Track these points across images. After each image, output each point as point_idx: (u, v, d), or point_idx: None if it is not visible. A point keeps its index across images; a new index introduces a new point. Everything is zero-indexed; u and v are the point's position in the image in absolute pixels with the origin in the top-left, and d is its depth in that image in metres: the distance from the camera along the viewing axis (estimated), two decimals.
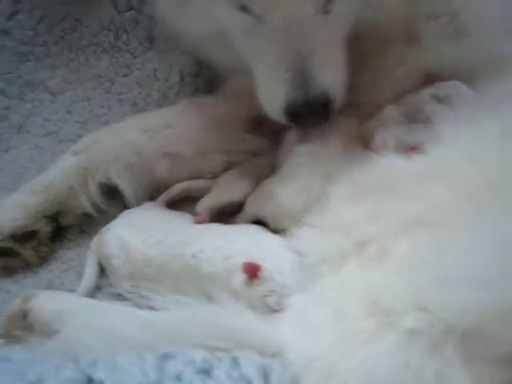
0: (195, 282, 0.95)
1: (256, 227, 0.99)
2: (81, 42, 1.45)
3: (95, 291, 1.06)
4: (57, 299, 0.95)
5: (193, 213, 1.09)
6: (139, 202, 1.14)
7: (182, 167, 1.15)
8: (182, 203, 1.16)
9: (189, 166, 1.15)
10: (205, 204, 1.06)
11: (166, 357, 0.65)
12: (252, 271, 0.87)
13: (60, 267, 1.10)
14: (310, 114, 0.98)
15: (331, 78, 0.98)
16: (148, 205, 1.11)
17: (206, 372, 0.63)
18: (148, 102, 1.34)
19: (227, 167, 1.14)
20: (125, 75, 1.39)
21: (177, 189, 1.14)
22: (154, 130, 1.16)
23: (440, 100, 0.96)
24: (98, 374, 0.61)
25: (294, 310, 0.77)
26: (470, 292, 0.64)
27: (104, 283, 1.07)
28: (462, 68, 1.01)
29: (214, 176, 1.14)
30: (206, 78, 1.34)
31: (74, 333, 0.80)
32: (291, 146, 1.04)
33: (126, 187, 1.12)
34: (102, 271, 1.07)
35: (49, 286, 1.07)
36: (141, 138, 1.15)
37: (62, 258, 1.11)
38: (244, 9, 0.95)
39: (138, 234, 1.01)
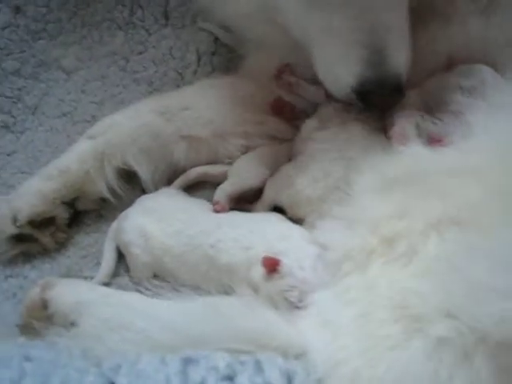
0: (214, 273, 0.94)
1: (278, 216, 0.97)
2: (94, 18, 1.41)
3: (113, 278, 1.05)
4: (76, 289, 0.94)
5: (210, 200, 1.08)
6: (156, 186, 1.12)
7: (199, 150, 1.13)
8: (198, 187, 1.14)
9: (206, 149, 1.13)
10: (223, 192, 1.03)
11: (188, 361, 0.64)
12: (271, 266, 0.85)
13: (78, 253, 1.09)
14: (383, 94, 0.93)
15: (404, 58, 0.94)
16: (165, 190, 1.09)
17: (229, 378, 0.62)
18: (164, 81, 1.31)
19: (245, 152, 1.12)
20: (140, 53, 1.36)
21: (193, 173, 1.12)
22: (172, 112, 1.14)
23: (466, 91, 0.93)
24: (121, 380, 0.60)
25: (317, 309, 0.76)
26: (504, 301, 0.61)
27: (122, 269, 1.06)
28: (490, 49, 0.97)
29: (232, 161, 1.12)
30: (223, 57, 1.31)
31: (93, 329, 0.79)
32: (310, 133, 1.01)
33: (143, 172, 1.10)
34: (120, 257, 1.07)
35: (67, 273, 1.07)
36: (158, 120, 1.13)
37: (80, 243, 1.10)
38: None
39: (157, 222, 1.00)
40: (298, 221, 0.97)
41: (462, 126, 0.88)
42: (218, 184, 1.09)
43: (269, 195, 1.02)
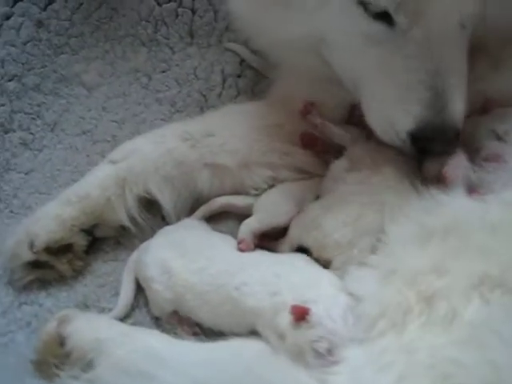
0: (237, 315, 0.91)
1: (306, 259, 0.92)
2: (117, 33, 1.39)
3: (132, 311, 1.02)
4: (95, 325, 0.90)
5: (233, 232, 1.04)
6: (178, 215, 1.09)
7: (223, 180, 1.09)
8: (221, 218, 1.11)
9: (231, 178, 1.09)
10: (248, 228, 0.99)
11: None
12: (300, 314, 0.81)
13: (96, 282, 1.06)
14: (441, 141, 0.88)
15: (462, 104, 0.89)
16: (188, 222, 1.06)
17: None
18: (187, 102, 1.28)
19: (272, 184, 1.08)
20: (163, 71, 1.33)
21: (217, 203, 1.09)
22: (196, 138, 1.10)
23: (499, 137, 0.89)
24: None
25: (350, 368, 0.72)
26: None
27: (141, 302, 1.03)
28: None
29: (258, 192, 1.08)
30: (248, 80, 1.28)
31: (110, 374, 0.76)
32: (340, 173, 0.97)
33: (165, 200, 1.07)
34: (139, 289, 1.04)
35: (84, 302, 1.04)
36: (181, 146, 1.09)
37: (98, 272, 1.07)
38: (380, 17, 0.86)
39: (181, 257, 0.96)
40: (324, 263, 0.93)
41: (505, 174, 0.84)
42: (242, 216, 1.06)
43: (294, 235, 0.98)
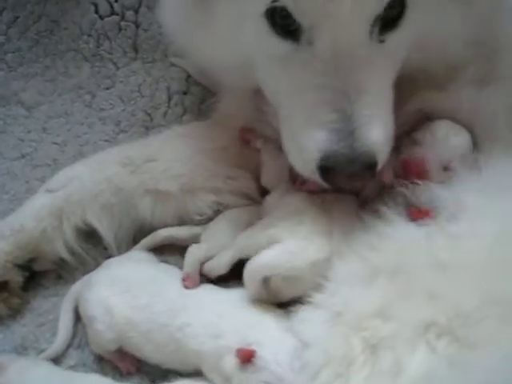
0: (182, 356, 0.87)
1: (251, 297, 0.87)
2: (58, 47, 1.32)
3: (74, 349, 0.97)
4: (30, 376, 0.85)
5: (180, 262, 0.98)
6: (120, 244, 1.04)
7: (166, 206, 1.05)
8: (166, 246, 1.06)
9: (174, 204, 1.05)
10: (194, 258, 0.95)
11: None
12: (246, 357, 0.78)
13: (35, 321, 1.00)
14: (350, 173, 0.78)
15: (380, 132, 0.79)
16: (134, 254, 1.01)
17: None
18: (132, 121, 1.22)
19: (217, 209, 1.03)
20: (107, 88, 1.27)
21: (159, 236, 1.04)
22: (136, 164, 1.05)
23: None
24: None
25: None
26: None
27: (83, 340, 0.98)
28: (478, 120, 0.90)
29: (202, 218, 1.04)
30: (195, 97, 1.22)
31: None
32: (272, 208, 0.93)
33: (105, 231, 1.02)
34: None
35: (22, 344, 0.98)
36: (121, 172, 1.04)
37: (38, 310, 1.01)
38: (286, 34, 0.80)
39: (123, 294, 0.91)
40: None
41: (451, 198, 0.80)
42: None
43: (238, 247, 0.92)
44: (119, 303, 0.91)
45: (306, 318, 0.79)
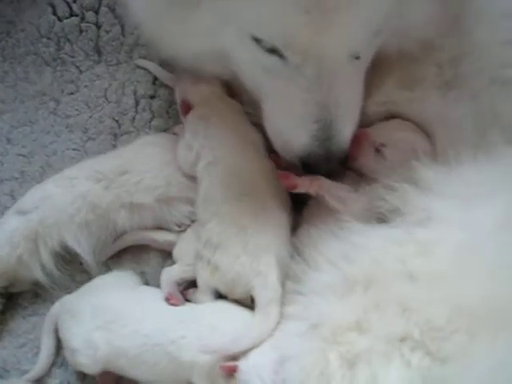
0: (173, 370, 0.88)
1: (243, 313, 0.89)
2: (16, 51, 1.27)
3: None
4: None
5: (157, 272, 1.00)
6: (99, 259, 1.04)
7: (144, 217, 1.04)
8: (143, 256, 1.06)
9: (151, 215, 1.04)
10: (170, 279, 0.96)
11: None
12: (229, 371, 0.81)
13: (15, 342, 1.00)
14: (325, 165, 0.93)
15: (351, 130, 0.93)
16: (114, 276, 1.01)
17: None
18: (100, 128, 1.19)
19: (195, 219, 1.03)
20: (71, 93, 1.23)
21: (135, 236, 1.04)
22: (109, 178, 1.04)
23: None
24: None
25: None
26: None
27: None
28: (440, 124, 0.93)
29: (181, 229, 1.04)
30: (163, 101, 1.19)
31: None
32: None
33: (84, 250, 1.01)
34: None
35: (3, 366, 0.98)
36: (95, 188, 1.03)
37: (17, 331, 1.01)
38: (273, 51, 0.85)
39: (109, 324, 0.91)
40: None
41: (419, 204, 0.82)
42: (165, 253, 1.04)
43: (202, 283, 0.94)
44: (105, 335, 0.90)
45: (284, 329, 0.81)
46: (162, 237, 1.04)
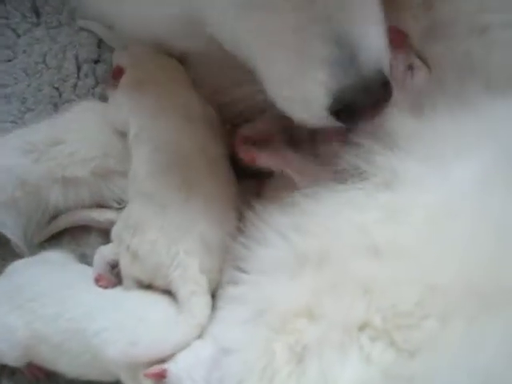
0: (99, 366, 0.77)
1: (170, 308, 0.77)
2: None
3: None
4: None
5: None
6: (32, 241, 0.93)
7: (79, 193, 0.93)
8: (83, 238, 0.95)
9: (87, 190, 0.93)
10: (103, 260, 0.84)
11: None
12: (157, 377, 0.70)
13: None
14: (369, 97, 0.67)
15: (382, 43, 0.68)
16: (42, 256, 0.89)
17: None
18: (39, 98, 1.07)
19: None
20: (9, 60, 1.11)
21: (72, 217, 0.93)
22: (40, 150, 0.92)
23: None
24: None
25: None
26: None
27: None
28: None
29: (121, 206, 0.92)
30: (107, 66, 1.06)
31: None
32: None
33: (11, 231, 0.90)
34: None
35: None
36: (23, 162, 0.91)
37: None
38: None
39: (28, 304, 0.80)
40: None
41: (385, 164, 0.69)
42: (107, 234, 0.91)
43: (125, 271, 0.82)
44: (23, 316, 0.80)
45: (224, 317, 0.70)
46: (101, 215, 0.93)
